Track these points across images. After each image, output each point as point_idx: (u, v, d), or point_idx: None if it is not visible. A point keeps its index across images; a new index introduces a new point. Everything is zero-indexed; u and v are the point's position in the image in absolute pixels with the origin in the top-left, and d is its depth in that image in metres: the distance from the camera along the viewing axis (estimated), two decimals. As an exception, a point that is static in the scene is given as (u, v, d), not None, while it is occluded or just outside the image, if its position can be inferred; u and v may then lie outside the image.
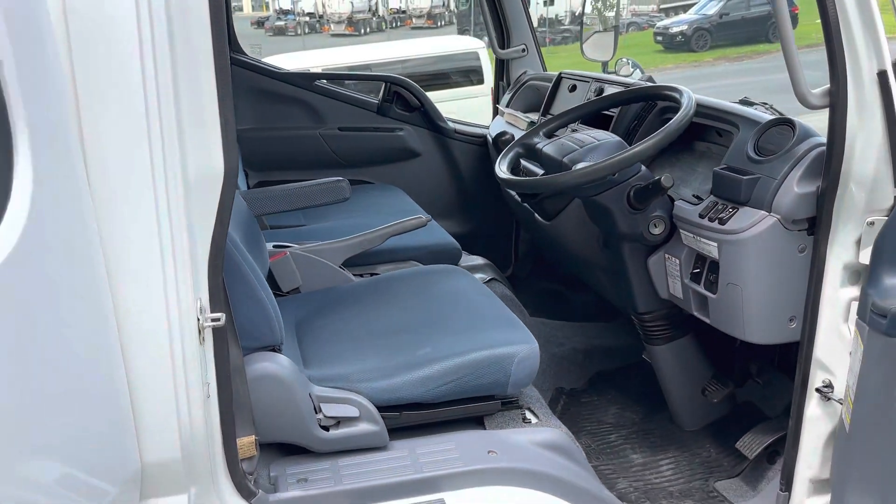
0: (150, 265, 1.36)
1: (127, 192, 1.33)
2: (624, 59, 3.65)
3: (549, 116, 2.86)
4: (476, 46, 11.17)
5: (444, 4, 30.83)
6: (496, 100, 3.68)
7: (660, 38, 21.07)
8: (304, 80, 3.54)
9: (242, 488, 1.61)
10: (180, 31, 1.33)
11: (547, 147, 2.19)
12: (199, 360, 1.46)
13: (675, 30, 20.72)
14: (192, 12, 1.34)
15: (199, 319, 1.44)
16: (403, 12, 31.70)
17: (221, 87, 1.38)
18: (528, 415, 2.00)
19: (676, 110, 2.11)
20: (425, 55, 10.80)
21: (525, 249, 3.68)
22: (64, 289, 1.23)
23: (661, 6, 28.57)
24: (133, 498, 1.45)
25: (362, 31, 29.42)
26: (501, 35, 3.57)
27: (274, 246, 2.37)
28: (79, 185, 1.27)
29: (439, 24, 29.90)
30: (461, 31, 25.21)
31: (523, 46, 3.54)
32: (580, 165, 1.99)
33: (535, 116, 3.13)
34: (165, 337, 1.40)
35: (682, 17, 22.30)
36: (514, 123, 3.27)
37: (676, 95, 2.06)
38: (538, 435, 1.91)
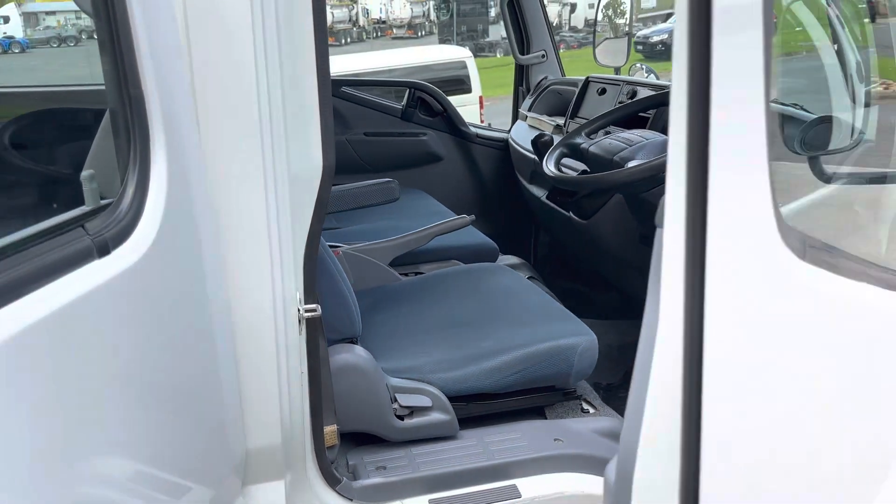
0: (259, 258, 1.42)
1: (240, 188, 1.38)
2: (638, 65, 3.76)
3: (583, 119, 2.94)
4: (463, 56, 11.27)
5: (424, 15, 30.95)
6: (516, 104, 3.76)
7: (640, 47, 21.30)
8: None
9: (329, 476, 1.67)
10: (287, 35, 1.39)
11: (593, 147, 2.26)
12: (298, 349, 1.52)
13: (654, 39, 20.98)
14: (298, 18, 1.40)
15: (299, 311, 1.50)
16: (384, 22, 31.76)
17: (322, 87, 1.45)
18: (585, 405, 2.07)
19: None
20: (413, 64, 10.87)
21: (544, 252, 3.75)
22: (190, 282, 1.29)
23: (639, 16, 28.90)
24: (237, 484, 1.50)
25: (343, 41, 29.43)
26: (521, 41, 3.65)
27: (325, 246, 2.42)
28: (200, 182, 1.33)
29: (420, 34, 30.00)
30: (442, 41, 25.32)
31: (543, 52, 3.63)
32: (633, 163, 2.07)
33: (560, 120, 3.21)
34: (271, 327, 1.45)
35: (662, 26, 22.57)
36: (538, 127, 3.34)
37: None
38: (598, 424, 1.98)
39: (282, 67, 1.38)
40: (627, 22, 3.93)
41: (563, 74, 3.68)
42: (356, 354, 1.77)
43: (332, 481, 1.67)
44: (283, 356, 1.48)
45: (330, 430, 1.70)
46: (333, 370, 1.72)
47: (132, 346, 1.10)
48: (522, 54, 3.65)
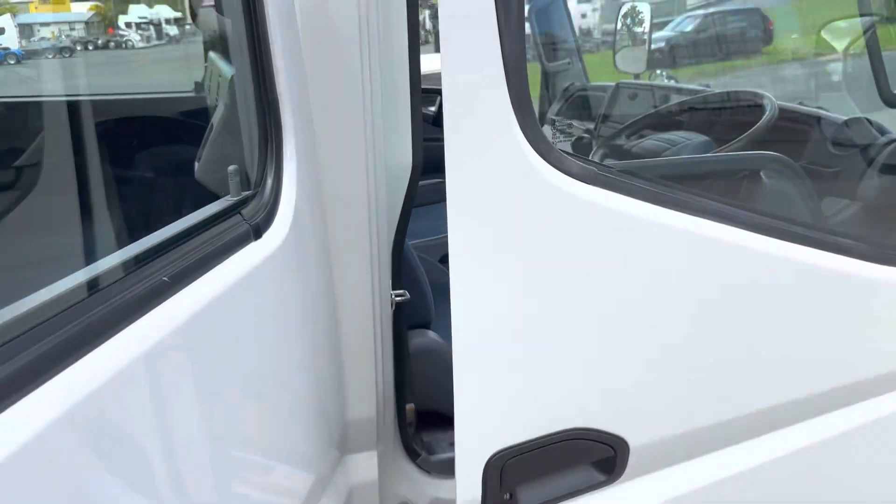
0: (361, 248, 1.56)
1: (346, 182, 1.52)
2: (658, 72, 3.93)
3: (615, 124, 3.10)
4: (466, 64, 11.35)
5: (420, 24, 31.09)
6: (542, 111, 3.91)
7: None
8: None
9: (410, 450, 1.80)
10: (386, 48, 1.53)
11: (636, 148, 2.42)
12: (390, 331, 1.66)
13: (653, 46, 21.20)
14: (395, 33, 1.54)
15: (391, 295, 1.64)
16: (380, 31, 31.87)
17: (414, 95, 1.59)
18: None
19: (751, 113, 2.36)
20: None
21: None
22: (310, 264, 1.43)
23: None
24: (336, 455, 1.63)
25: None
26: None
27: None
28: (316, 175, 1.47)
29: (416, 42, 30.12)
30: (437, 50, 25.38)
31: (569, 60, 3.78)
32: (677, 163, 2.22)
33: (589, 124, 3.37)
34: (369, 310, 1.59)
35: (658, 34, 22.81)
36: (568, 132, 3.49)
37: (758, 100, 2.30)
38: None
39: (382, 77, 1.52)
40: (646, 31, 4.09)
41: (588, 81, 3.84)
42: (431, 339, 1.91)
43: (412, 455, 1.81)
44: (378, 335, 1.62)
45: (410, 408, 1.84)
46: (411, 352, 1.86)
47: (275, 321, 1.25)
48: (549, 62, 3.81)
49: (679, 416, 1.48)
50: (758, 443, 1.56)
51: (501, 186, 1.25)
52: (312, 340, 1.42)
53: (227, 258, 1.09)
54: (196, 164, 1.67)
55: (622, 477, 1.52)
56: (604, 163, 2.54)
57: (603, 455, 1.49)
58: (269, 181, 1.29)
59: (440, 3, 1.17)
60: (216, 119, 1.62)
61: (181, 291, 0.97)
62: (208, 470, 1.07)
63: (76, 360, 0.77)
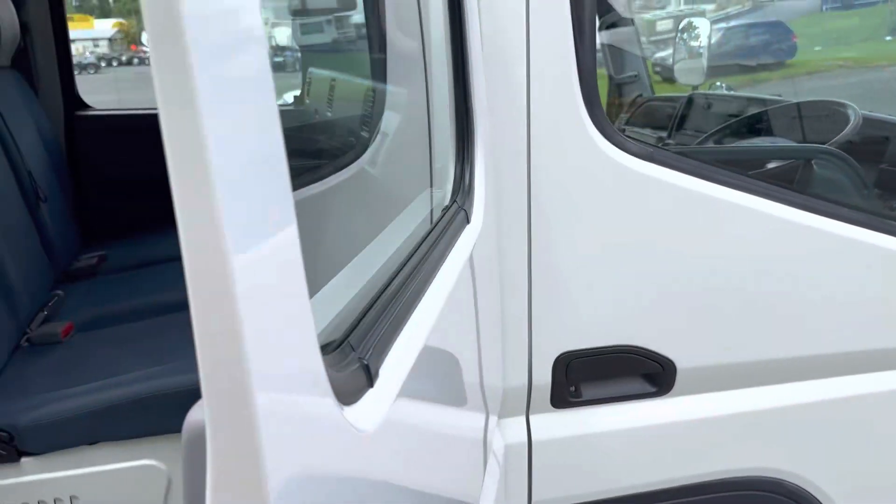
0: (519, 232, 1.79)
1: (511, 177, 1.75)
2: (718, 84, 4.16)
3: (688, 132, 3.33)
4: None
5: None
6: (610, 120, 4.15)
7: (658, 69, 21.63)
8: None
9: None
10: None
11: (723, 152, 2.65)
12: None
13: (670, 61, 21.35)
14: None
15: None
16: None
17: None
18: None
19: (835, 120, 2.58)
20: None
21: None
22: (493, 249, 1.67)
23: (651, 38, 29.25)
24: (494, 419, 1.87)
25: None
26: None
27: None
28: (492, 172, 1.71)
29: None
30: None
31: (636, 72, 4.03)
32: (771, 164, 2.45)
33: (661, 133, 3.60)
34: (525, 287, 1.82)
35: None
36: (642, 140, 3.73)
37: (841, 109, 2.53)
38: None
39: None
40: (703, 45, 4.33)
41: (653, 92, 4.07)
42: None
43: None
44: (530, 309, 1.85)
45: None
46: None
47: (479, 295, 1.49)
48: (616, 74, 4.05)
49: (721, 350, 1.86)
50: (796, 386, 1.91)
51: (576, 162, 1.72)
52: (492, 313, 1.66)
53: (459, 236, 1.34)
54: (368, 168, 1.93)
55: (670, 392, 1.87)
56: (665, 148, 2.82)
57: (652, 370, 1.85)
58: (467, 175, 1.53)
59: (531, 27, 1.61)
60: (387, 127, 1.88)
61: (446, 259, 1.21)
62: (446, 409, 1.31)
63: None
